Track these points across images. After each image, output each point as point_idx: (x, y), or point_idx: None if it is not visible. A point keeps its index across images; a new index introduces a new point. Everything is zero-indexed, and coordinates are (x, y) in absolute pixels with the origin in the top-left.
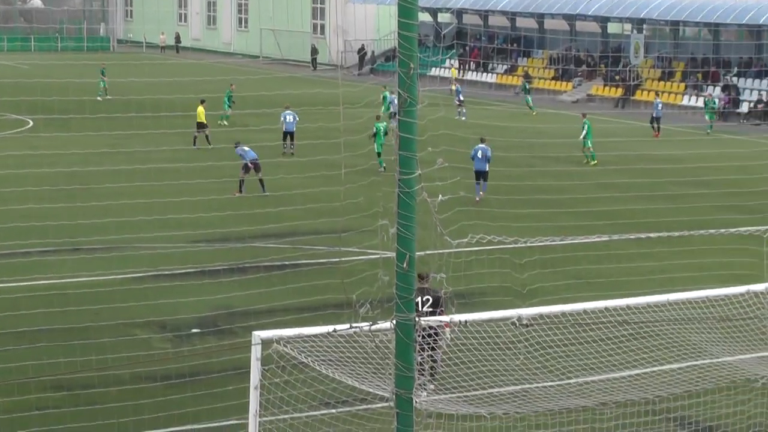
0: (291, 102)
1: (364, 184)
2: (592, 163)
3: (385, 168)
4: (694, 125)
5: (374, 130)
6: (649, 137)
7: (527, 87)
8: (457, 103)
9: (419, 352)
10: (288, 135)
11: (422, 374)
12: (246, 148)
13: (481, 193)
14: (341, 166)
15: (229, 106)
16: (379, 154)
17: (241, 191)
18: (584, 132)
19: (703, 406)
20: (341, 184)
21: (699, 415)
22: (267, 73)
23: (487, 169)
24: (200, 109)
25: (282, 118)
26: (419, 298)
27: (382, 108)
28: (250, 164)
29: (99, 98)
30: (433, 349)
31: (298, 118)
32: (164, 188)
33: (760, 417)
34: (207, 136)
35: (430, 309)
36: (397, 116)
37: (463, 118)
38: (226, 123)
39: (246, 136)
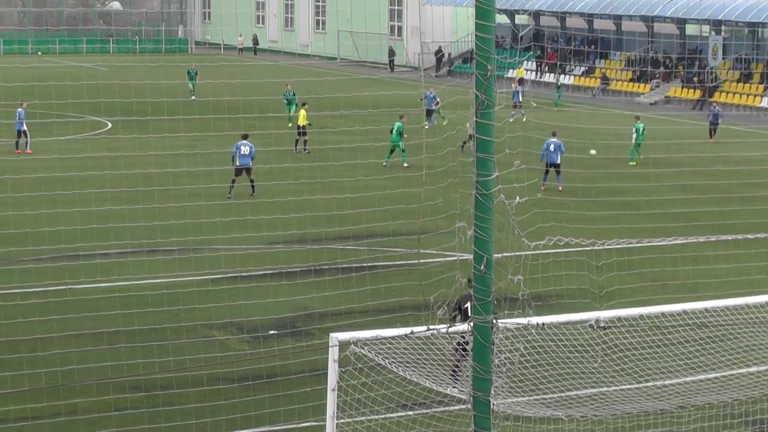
0: (370, 104)
1: (442, 186)
2: (631, 163)
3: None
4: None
5: (393, 127)
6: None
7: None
8: (513, 104)
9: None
10: (243, 171)
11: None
12: (246, 147)
13: (560, 187)
14: (421, 168)
15: (292, 107)
16: (392, 150)
17: (230, 193)
18: (636, 135)
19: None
20: (420, 186)
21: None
22: (345, 74)
23: (560, 161)
24: (302, 112)
25: (235, 150)
26: (468, 303)
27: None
28: (237, 167)
29: (192, 97)
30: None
31: (254, 152)
32: (241, 190)
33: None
34: (305, 141)
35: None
36: (432, 114)
37: (511, 120)
38: (290, 124)
39: (323, 137)
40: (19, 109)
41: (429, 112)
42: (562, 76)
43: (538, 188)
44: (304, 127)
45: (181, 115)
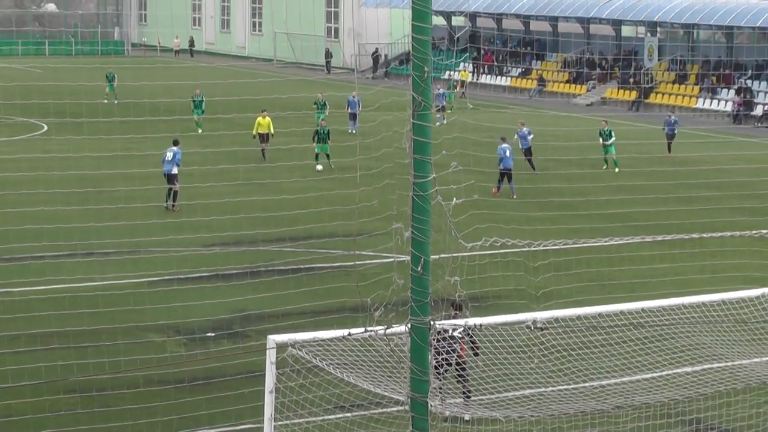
0: (304, 104)
1: (378, 187)
2: (617, 170)
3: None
4: (707, 128)
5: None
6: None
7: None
8: (437, 108)
9: (438, 358)
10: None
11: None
12: (170, 153)
13: (514, 195)
14: (356, 169)
15: (200, 112)
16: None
17: (166, 202)
18: (611, 140)
19: (719, 409)
20: (356, 187)
21: (714, 419)
22: (280, 76)
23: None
24: (268, 119)
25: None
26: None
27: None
28: (165, 175)
29: (106, 101)
30: (461, 367)
31: (179, 157)
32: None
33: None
34: (263, 150)
35: (459, 334)
36: (356, 118)
37: (438, 124)
38: (200, 131)
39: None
40: None
41: (353, 116)
42: (499, 77)
43: (475, 189)
44: (268, 135)
45: (116, 117)
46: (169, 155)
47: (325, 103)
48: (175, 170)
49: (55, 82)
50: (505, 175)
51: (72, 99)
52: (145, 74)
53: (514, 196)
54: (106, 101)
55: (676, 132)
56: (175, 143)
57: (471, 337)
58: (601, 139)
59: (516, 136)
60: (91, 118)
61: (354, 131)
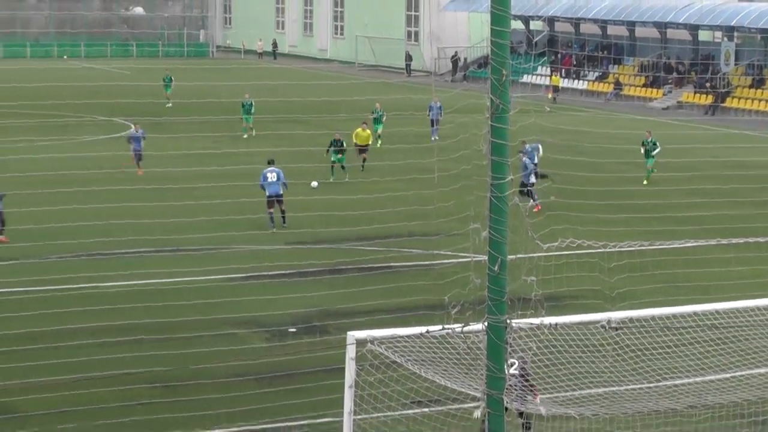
0: (384, 106)
1: (455, 188)
2: (645, 183)
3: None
4: None
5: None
6: (738, 144)
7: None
8: (431, 120)
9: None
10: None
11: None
12: (272, 173)
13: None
14: (434, 170)
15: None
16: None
17: (271, 225)
18: (657, 150)
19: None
20: (433, 188)
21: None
22: (361, 79)
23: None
24: (368, 132)
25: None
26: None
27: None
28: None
29: (168, 100)
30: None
31: (283, 177)
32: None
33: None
34: (365, 159)
35: (517, 372)
36: (437, 124)
37: (433, 138)
38: (245, 136)
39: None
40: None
41: (433, 123)
42: (577, 81)
43: (551, 191)
44: (366, 147)
45: (197, 116)
46: (271, 176)
47: (252, 104)
48: (281, 191)
49: (141, 83)
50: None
51: (155, 99)
52: (228, 75)
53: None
54: (168, 104)
55: None
56: (271, 162)
57: (525, 375)
58: (643, 149)
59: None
60: (171, 117)
61: (436, 138)
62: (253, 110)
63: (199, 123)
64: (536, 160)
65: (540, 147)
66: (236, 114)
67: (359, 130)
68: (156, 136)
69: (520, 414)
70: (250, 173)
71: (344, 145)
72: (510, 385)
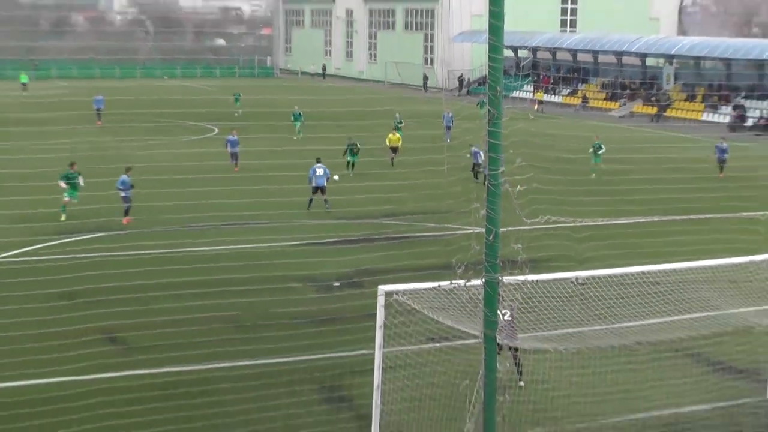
0: (408, 114)
1: (461, 177)
2: (593, 175)
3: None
4: (710, 135)
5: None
6: (676, 144)
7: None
8: (446, 127)
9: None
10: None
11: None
12: (321, 169)
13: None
14: (444, 164)
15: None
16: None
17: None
18: (602, 151)
19: (714, 346)
20: (444, 177)
21: (711, 353)
22: (389, 94)
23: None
24: (398, 135)
25: (311, 173)
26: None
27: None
28: (314, 186)
29: (238, 111)
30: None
31: (329, 173)
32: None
33: (758, 354)
34: (393, 159)
35: (510, 319)
36: (449, 130)
37: (446, 141)
38: (295, 138)
39: (371, 138)
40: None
41: (447, 129)
42: (553, 96)
43: (535, 179)
44: (397, 148)
45: (267, 122)
46: (320, 171)
47: (300, 114)
48: (325, 183)
49: (219, 96)
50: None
51: (228, 109)
52: (290, 91)
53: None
54: (236, 115)
55: (726, 157)
56: (319, 160)
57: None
58: (592, 150)
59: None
60: (240, 122)
61: (448, 141)
62: (302, 118)
63: (262, 127)
64: (480, 161)
65: (481, 153)
66: (290, 121)
67: (390, 135)
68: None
69: (515, 350)
70: (303, 166)
71: (357, 146)
72: (501, 327)
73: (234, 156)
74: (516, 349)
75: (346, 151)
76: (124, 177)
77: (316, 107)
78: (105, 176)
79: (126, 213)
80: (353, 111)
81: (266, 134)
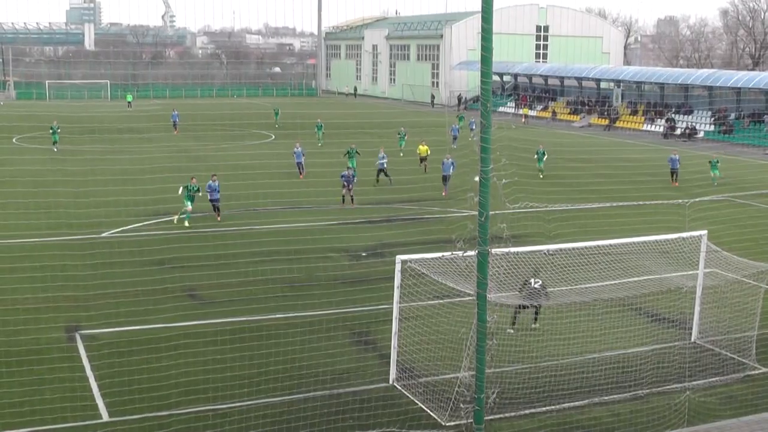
0: (415, 125)
1: (461, 172)
2: (541, 176)
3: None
4: (647, 140)
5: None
6: (622, 147)
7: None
8: (453, 137)
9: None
10: (380, 172)
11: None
12: (348, 172)
13: (444, 192)
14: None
15: (321, 133)
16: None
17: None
18: (545, 157)
19: (652, 302)
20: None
21: (649, 307)
22: (405, 108)
23: (451, 173)
24: (425, 147)
25: (442, 164)
26: (532, 280)
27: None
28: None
29: (278, 123)
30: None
31: (386, 159)
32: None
33: (685, 309)
34: (426, 166)
35: (539, 286)
36: (456, 139)
37: (453, 146)
38: (320, 144)
39: (393, 142)
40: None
41: (454, 138)
42: (530, 111)
43: (516, 174)
44: (425, 158)
45: (307, 130)
46: (348, 172)
47: (405, 133)
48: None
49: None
50: (446, 177)
51: (285, 120)
52: (329, 106)
53: (444, 194)
54: (276, 126)
55: (678, 167)
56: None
57: (544, 287)
58: (536, 156)
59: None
60: (296, 130)
61: (455, 146)
62: (323, 128)
63: (298, 134)
64: (452, 171)
65: (452, 163)
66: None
67: (420, 146)
68: (289, 141)
69: (536, 307)
70: (329, 164)
71: (357, 151)
72: (531, 292)
73: (299, 166)
74: (538, 306)
75: (346, 153)
76: (210, 182)
77: (346, 119)
78: (187, 172)
79: (217, 210)
80: (376, 122)
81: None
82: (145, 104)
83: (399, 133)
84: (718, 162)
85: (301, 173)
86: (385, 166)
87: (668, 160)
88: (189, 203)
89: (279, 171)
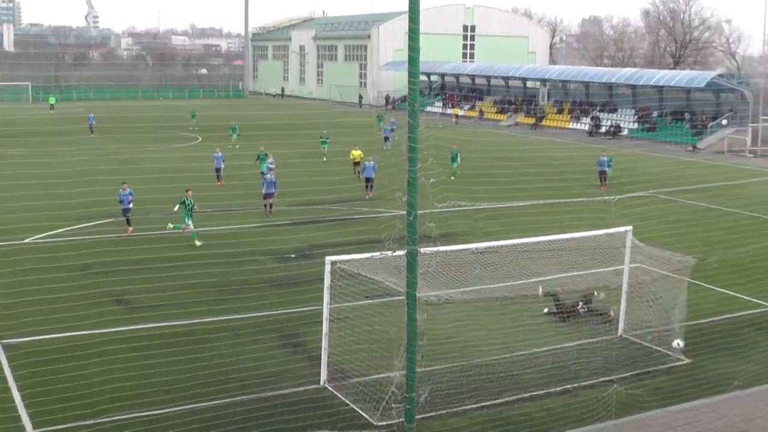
0: (346, 125)
1: (390, 171)
2: (452, 177)
3: None
4: (574, 138)
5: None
6: (549, 146)
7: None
8: (385, 138)
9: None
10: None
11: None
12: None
13: (368, 195)
14: (377, 161)
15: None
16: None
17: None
18: (459, 157)
19: (579, 298)
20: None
21: (571, 298)
22: (332, 108)
23: (373, 175)
24: (359, 152)
25: (363, 167)
26: (581, 302)
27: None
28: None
29: (194, 126)
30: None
31: (375, 167)
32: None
33: (612, 303)
34: (359, 172)
35: (585, 304)
36: (388, 140)
37: (384, 148)
38: (237, 146)
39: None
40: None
41: (386, 139)
42: (459, 110)
43: (444, 173)
44: (359, 162)
45: (241, 132)
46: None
47: (327, 136)
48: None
49: (205, 112)
50: (369, 181)
51: (209, 122)
52: (257, 107)
53: (368, 196)
54: (190, 129)
55: (607, 170)
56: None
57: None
58: (450, 157)
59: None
60: (222, 132)
61: (387, 147)
62: (238, 131)
63: (217, 138)
64: (374, 174)
65: (375, 166)
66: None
67: (353, 151)
68: (201, 144)
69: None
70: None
71: (268, 156)
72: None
73: (219, 171)
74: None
75: (257, 157)
76: (121, 191)
77: (277, 119)
78: (113, 175)
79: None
80: (303, 123)
81: (217, 143)
82: (68, 107)
83: (321, 137)
84: (612, 160)
85: (219, 180)
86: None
87: (597, 162)
88: (189, 222)
89: (203, 174)
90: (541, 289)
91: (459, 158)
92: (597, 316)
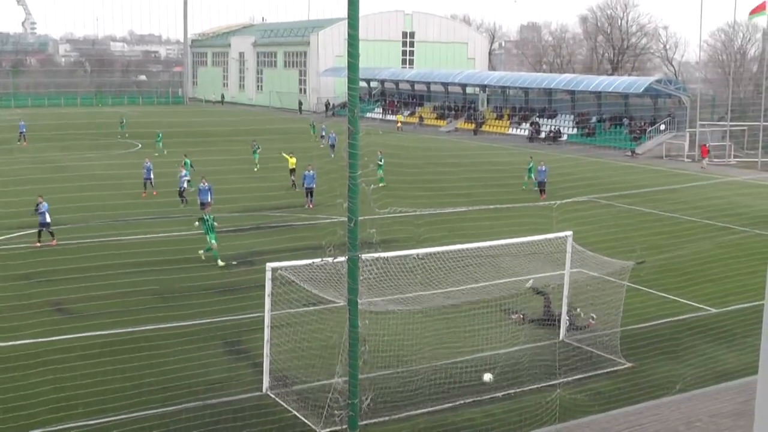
0: (284, 130)
1: (328, 178)
2: (381, 185)
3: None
4: (514, 144)
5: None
6: (489, 151)
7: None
8: (331, 146)
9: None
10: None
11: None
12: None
13: (310, 205)
14: (317, 168)
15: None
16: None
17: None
18: (382, 163)
19: (523, 302)
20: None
21: (520, 308)
22: (272, 115)
23: (314, 186)
24: (293, 159)
25: (302, 176)
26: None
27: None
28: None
29: (124, 133)
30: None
31: (315, 175)
32: (221, 179)
33: (553, 307)
34: (293, 181)
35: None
36: (334, 148)
37: (332, 155)
38: (255, 169)
39: (262, 151)
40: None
41: (332, 146)
42: (397, 116)
43: (384, 180)
44: (293, 170)
45: (177, 138)
46: (203, 186)
47: (258, 146)
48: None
49: (144, 119)
50: (310, 190)
51: (151, 129)
52: (197, 114)
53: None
54: (119, 137)
55: (545, 179)
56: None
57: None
58: (377, 165)
59: None
60: (167, 139)
61: (332, 155)
62: (162, 138)
63: (180, 143)
64: (314, 184)
65: (315, 175)
66: (200, 137)
67: (289, 158)
68: (141, 150)
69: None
70: (222, 172)
71: (192, 165)
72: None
73: (147, 182)
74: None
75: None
76: (38, 204)
77: (216, 126)
78: (51, 183)
79: (51, 235)
80: (243, 129)
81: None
82: (5, 114)
83: (254, 146)
84: (533, 166)
85: (144, 191)
86: (184, 186)
87: (538, 171)
88: (213, 239)
89: (140, 181)
90: (531, 282)
91: (382, 166)
92: (578, 329)
